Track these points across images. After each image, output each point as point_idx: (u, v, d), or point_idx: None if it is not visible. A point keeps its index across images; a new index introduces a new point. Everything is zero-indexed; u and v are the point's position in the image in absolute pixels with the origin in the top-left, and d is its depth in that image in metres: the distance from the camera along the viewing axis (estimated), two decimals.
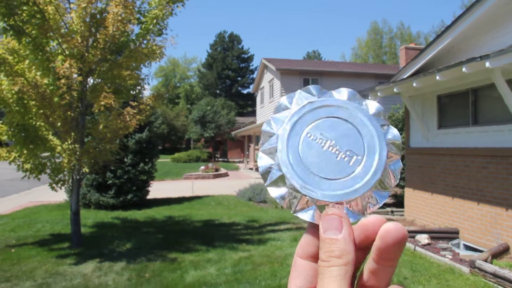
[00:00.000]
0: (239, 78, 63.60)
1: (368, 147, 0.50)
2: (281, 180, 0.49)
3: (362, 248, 0.49)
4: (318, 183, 0.48)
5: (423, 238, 8.52)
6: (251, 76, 63.47)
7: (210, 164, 29.43)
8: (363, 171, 0.49)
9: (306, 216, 0.49)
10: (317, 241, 0.48)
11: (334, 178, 0.48)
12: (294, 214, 0.50)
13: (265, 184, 0.50)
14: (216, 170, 27.98)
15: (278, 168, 0.49)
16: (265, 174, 0.50)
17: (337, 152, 0.49)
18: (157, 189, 17.33)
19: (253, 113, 46.76)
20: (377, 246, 0.46)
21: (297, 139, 0.50)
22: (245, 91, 64.51)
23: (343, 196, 0.48)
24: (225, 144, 49.65)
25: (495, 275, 6.09)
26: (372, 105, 0.52)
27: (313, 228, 0.49)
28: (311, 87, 0.53)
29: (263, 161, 0.50)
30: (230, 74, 62.41)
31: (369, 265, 0.47)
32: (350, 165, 0.49)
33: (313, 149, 0.49)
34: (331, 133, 0.50)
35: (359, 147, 0.50)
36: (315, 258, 0.48)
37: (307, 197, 0.48)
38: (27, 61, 7.72)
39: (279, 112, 0.52)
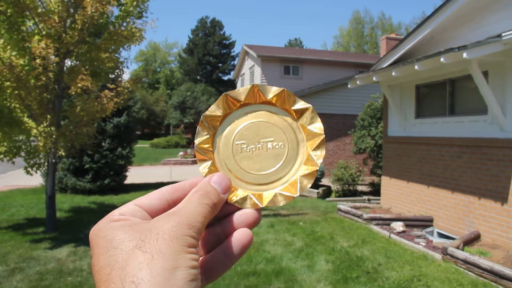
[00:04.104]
0: (220, 64, 63.10)
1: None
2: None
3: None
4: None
5: (398, 226, 8.66)
6: (232, 62, 63.03)
7: (189, 150, 29.31)
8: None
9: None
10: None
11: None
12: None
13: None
14: (195, 156, 27.89)
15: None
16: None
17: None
18: (135, 174, 17.22)
19: None
20: None
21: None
22: (225, 78, 64.07)
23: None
24: None
25: (465, 262, 6.23)
26: None
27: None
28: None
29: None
30: (211, 60, 61.87)
31: None
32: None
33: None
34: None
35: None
36: (169, 205, 0.55)
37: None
38: (1, 41, 7.53)
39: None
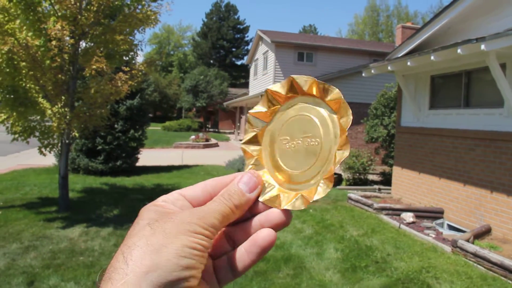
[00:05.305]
0: (233, 49, 62.98)
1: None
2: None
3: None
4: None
5: (408, 217, 8.64)
6: (245, 47, 62.87)
7: (200, 134, 29.39)
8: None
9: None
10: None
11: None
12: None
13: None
14: (207, 140, 27.97)
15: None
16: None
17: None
18: (147, 157, 17.33)
19: (246, 85, 46.50)
20: None
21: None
22: (239, 62, 64.00)
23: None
24: (216, 115, 49.52)
25: (475, 255, 6.21)
26: None
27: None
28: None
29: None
30: (224, 44, 61.75)
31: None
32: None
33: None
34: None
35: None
36: (211, 196, 0.57)
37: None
38: (18, 21, 7.55)
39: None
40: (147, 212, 0.53)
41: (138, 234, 0.48)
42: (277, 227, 0.57)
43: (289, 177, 0.59)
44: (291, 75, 0.59)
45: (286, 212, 0.57)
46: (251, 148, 0.62)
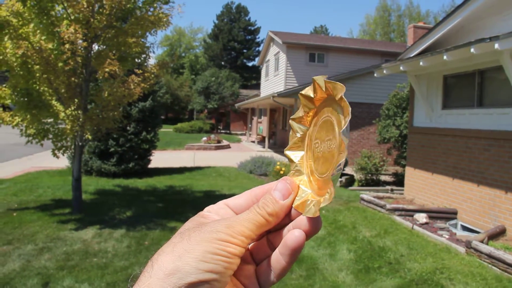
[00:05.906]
0: (244, 50, 63.04)
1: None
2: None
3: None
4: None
5: (421, 217, 8.58)
6: (256, 48, 62.92)
7: (212, 136, 29.41)
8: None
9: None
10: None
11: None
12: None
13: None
14: (218, 141, 28.00)
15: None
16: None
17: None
18: (159, 159, 17.40)
19: (257, 86, 46.53)
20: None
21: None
22: (250, 64, 64.06)
23: None
24: (228, 116, 49.55)
25: (490, 256, 6.15)
26: None
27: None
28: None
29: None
30: (236, 46, 61.83)
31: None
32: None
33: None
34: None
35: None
36: (253, 203, 0.58)
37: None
38: (31, 25, 7.64)
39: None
40: (189, 222, 0.56)
41: (169, 241, 0.52)
42: (306, 233, 0.55)
43: (320, 182, 0.57)
44: (313, 77, 0.57)
45: (310, 219, 0.55)
46: (293, 154, 0.62)
